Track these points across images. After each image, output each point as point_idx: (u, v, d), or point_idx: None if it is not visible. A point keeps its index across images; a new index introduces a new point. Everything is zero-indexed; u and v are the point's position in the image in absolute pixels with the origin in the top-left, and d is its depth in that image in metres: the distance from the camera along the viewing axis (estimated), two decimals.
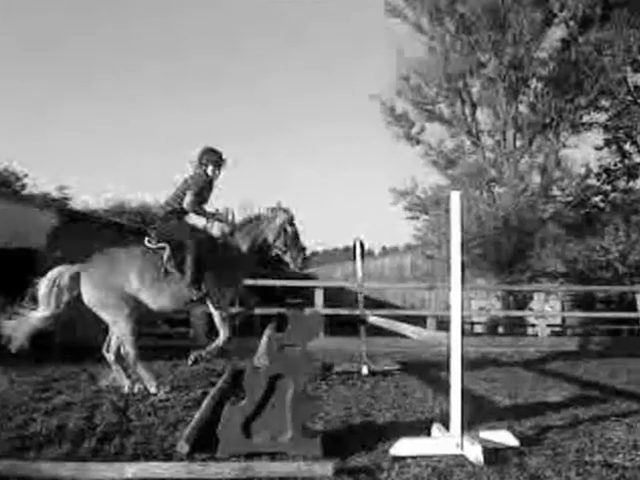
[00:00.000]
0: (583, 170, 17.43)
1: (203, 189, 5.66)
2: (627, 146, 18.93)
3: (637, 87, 19.53)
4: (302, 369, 3.48)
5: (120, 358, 5.37)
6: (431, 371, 6.64)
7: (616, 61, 16.34)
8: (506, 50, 16.59)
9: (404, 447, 3.42)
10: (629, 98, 19.10)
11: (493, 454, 3.36)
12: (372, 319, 6.47)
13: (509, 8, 16.38)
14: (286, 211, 5.77)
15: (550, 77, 16.95)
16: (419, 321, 9.41)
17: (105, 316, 5.26)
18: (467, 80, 17.90)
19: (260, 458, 3.26)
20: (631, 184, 18.67)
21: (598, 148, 18.98)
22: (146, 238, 5.55)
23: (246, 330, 7.83)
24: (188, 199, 5.51)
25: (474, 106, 18.04)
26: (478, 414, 4.36)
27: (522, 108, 17.48)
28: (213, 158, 5.71)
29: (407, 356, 7.99)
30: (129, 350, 5.21)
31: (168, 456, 3.31)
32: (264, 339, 4.85)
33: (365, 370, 6.41)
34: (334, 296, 11.20)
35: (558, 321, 15.77)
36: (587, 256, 15.01)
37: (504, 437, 3.67)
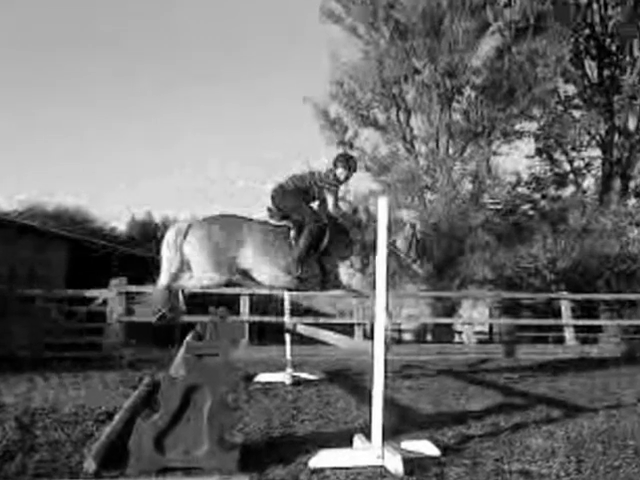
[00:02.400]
0: (514, 178, 18.10)
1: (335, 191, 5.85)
2: (557, 155, 19.76)
3: (568, 97, 20.41)
4: (221, 379, 3.42)
5: None
6: (356, 380, 6.69)
7: (548, 71, 16.98)
8: (441, 57, 16.94)
9: (323, 459, 3.42)
10: (560, 108, 19.94)
11: (413, 464, 3.40)
12: (297, 327, 6.47)
13: (445, 16, 16.77)
14: (413, 224, 6.12)
15: (483, 85, 17.43)
16: (348, 329, 9.52)
17: (196, 267, 5.39)
18: (402, 86, 18.18)
19: (174, 474, 3.19)
20: (560, 192, 19.49)
21: (529, 157, 19.71)
22: (267, 212, 5.71)
23: (167, 339, 7.72)
24: (331, 202, 5.76)
25: (408, 112, 18.34)
26: (401, 424, 4.42)
27: (455, 116, 17.90)
28: (345, 162, 5.89)
29: (333, 365, 8.03)
30: (189, 284, 5.48)
31: (74, 475, 3.18)
32: (182, 348, 4.79)
33: (288, 380, 6.40)
34: (263, 304, 11.16)
35: (486, 328, 16.22)
36: (516, 263, 15.50)
37: (425, 447, 3.72)
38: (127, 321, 9.08)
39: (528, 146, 19.88)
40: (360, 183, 23.50)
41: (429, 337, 16.05)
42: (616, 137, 19.04)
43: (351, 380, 6.73)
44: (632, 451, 3.84)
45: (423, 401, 5.53)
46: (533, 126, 19.33)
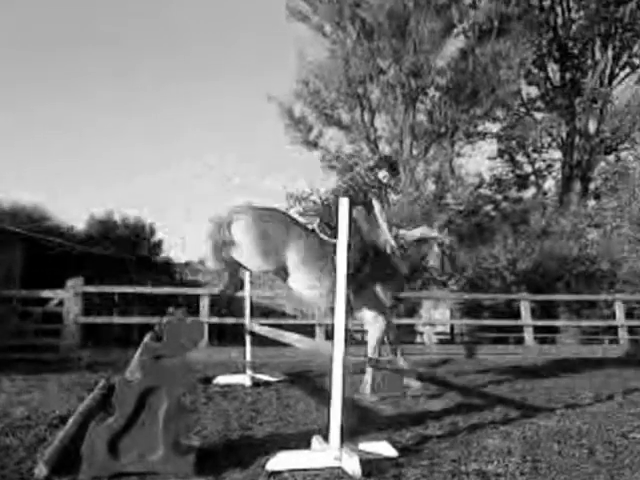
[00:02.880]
0: (476, 179, 18.37)
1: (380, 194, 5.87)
2: (519, 156, 20.15)
3: (530, 99, 20.84)
4: (178, 381, 3.39)
5: None
6: (316, 382, 6.72)
7: (511, 73, 17.27)
8: (406, 58, 17.10)
9: (281, 461, 3.43)
10: (522, 110, 20.35)
11: (371, 466, 3.42)
12: (257, 328, 6.45)
13: (410, 16, 16.91)
14: (441, 242, 6.23)
15: (447, 86, 17.66)
16: (310, 330, 9.53)
17: (243, 251, 5.19)
18: (367, 86, 18.31)
19: (128, 479, 3.16)
20: (521, 194, 19.87)
21: (491, 158, 20.04)
22: (318, 226, 5.57)
23: (125, 340, 7.63)
24: (378, 207, 5.77)
25: (373, 112, 18.49)
26: (360, 425, 4.45)
27: (420, 116, 18.13)
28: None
29: (294, 366, 8.03)
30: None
31: None
32: (139, 350, 4.74)
33: (248, 382, 6.39)
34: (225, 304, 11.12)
35: (447, 329, 16.39)
36: (477, 264, 15.70)
37: (383, 448, 3.75)
38: (84, 322, 8.96)
39: (491, 147, 20.25)
40: (324, 183, 23.56)
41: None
42: (577, 139, 19.48)
43: (312, 381, 6.75)
44: (586, 450, 3.93)
45: (382, 402, 5.57)
46: (496, 127, 19.72)
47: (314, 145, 18.53)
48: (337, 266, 3.75)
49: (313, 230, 5.55)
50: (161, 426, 3.30)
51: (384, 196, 6.00)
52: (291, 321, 12.50)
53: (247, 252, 5.20)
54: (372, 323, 5.82)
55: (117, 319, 10.82)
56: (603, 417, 5.02)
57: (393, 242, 5.93)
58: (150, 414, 3.31)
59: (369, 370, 5.78)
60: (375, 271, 5.66)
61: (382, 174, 6.01)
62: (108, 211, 19.92)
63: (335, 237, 5.33)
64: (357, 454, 3.44)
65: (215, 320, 9.28)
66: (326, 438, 3.62)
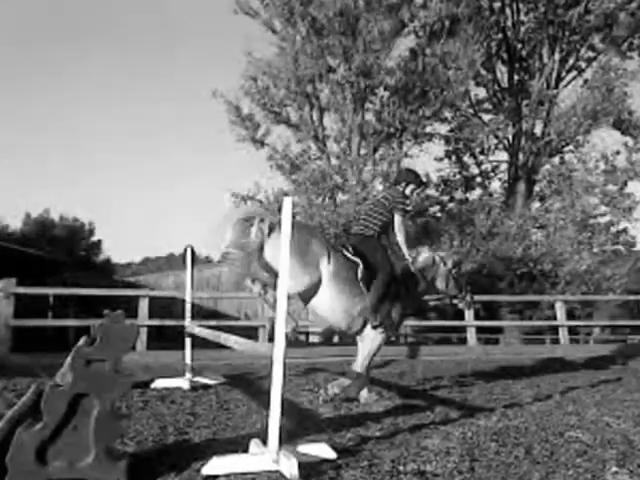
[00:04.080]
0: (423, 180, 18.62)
1: (403, 209, 5.91)
2: (466, 158, 20.52)
3: (478, 101, 21.25)
4: (111, 386, 3.35)
5: None
6: (257, 384, 6.71)
7: (460, 74, 17.59)
8: (356, 57, 17.22)
9: (217, 466, 3.41)
10: (470, 111, 20.75)
11: (310, 468, 3.45)
12: (196, 330, 6.41)
13: (361, 15, 17.04)
14: (444, 261, 6.31)
15: (397, 86, 17.86)
16: (254, 332, 9.52)
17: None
18: (316, 84, 18.38)
19: None
20: (467, 195, 20.25)
21: (438, 159, 20.35)
22: (341, 245, 5.69)
23: (60, 344, 7.45)
24: (398, 222, 5.80)
25: (322, 111, 18.56)
26: (301, 427, 4.48)
27: (368, 116, 18.29)
28: (413, 179, 6.08)
29: (235, 369, 8.01)
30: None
31: None
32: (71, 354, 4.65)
33: (187, 385, 6.34)
34: (166, 306, 10.99)
35: None
36: None
37: (322, 450, 3.78)
38: (16, 325, 8.72)
39: (438, 148, 20.58)
40: (271, 182, 23.56)
41: (336, 339, 16.24)
42: (523, 141, 19.97)
43: (253, 384, 6.74)
44: (524, 449, 4.03)
45: (321, 403, 5.60)
46: (444, 128, 20.05)
47: (261, 143, 18.48)
48: (280, 267, 3.75)
49: (340, 250, 5.57)
50: (92, 432, 3.24)
51: (407, 210, 6.04)
52: (233, 323, 12.43)
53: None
54: (372, 338, 5.75)
55: (51, 322, 10.55)
56: (541, 416, 5.17)
57: (407, 255, 6.01)
58: (81, 420, 3.25)
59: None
60: (393, 288, 5.72)
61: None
62: (45, 210, 19.46)
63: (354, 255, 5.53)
64: (295, 457, 3.46)
65: (154, 322, 9.16)
66: (265, 441, 3.63)
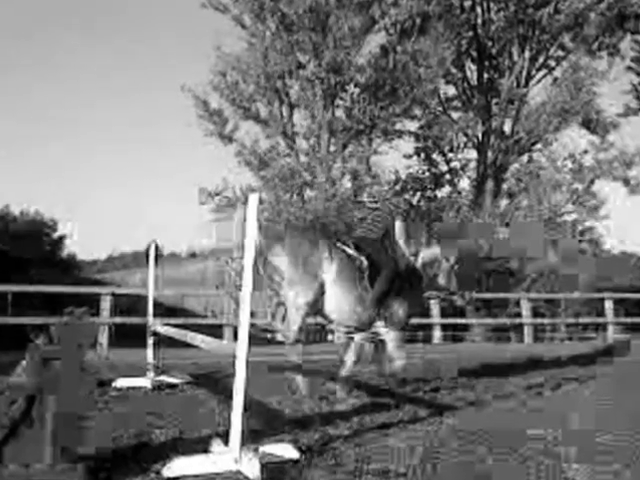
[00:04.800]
0: (393, 177, 18.72)
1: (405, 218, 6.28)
2: (435, 155, 20.63)
3: (448, 98, 21.36)
4: (71, 385, 3.30)
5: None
6: (223, 383, 6.66)
7: (430, 72, 17.67)
8: (326, 53, 17.19)
9: (178, 466, 3.39)
10: (439, 109, 20.83)
11: (272, 468, 3.44)
12: (161, 328, 6.35)
13: (331, 10, 17.02)
14: (447, 258, 6.43)
15: (367, 83, 17.85)
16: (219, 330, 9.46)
17: (287, 288, 5.38)
18: (286, 80, 18.31)
19: None
20: (436, 192, 20.37)
21: (407, 156, 20.43)
22: (342, 243, 5.84)
23: (20, 342, 7.29)
24: (399, 228, 6.07)
25: (291, 107, 18.49)
26: (267, 426, 4.47)
27: (338, 113, 18.26)
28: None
29: (201, 367, 7.94)
30: (293, 327, 5.48)
31: None
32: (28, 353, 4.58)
33: (149, 384, 6.28)
34: (131, 304, 10.87)
35: None
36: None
37: (285, 450, 3.77)
38: None
39: (408, 145, 20.64)
40: (239, 178, 23.44)
41: (302, 337, 16.15)
42: (492, 139, 20.13)
43: (218, 383, 6.69)
44: (486, 447, 4.09)
45: (290, 402, 5.60)
46: (413, 126, 20.09)
47: (229, 139, 18.36)
48: (244, 264, 3.74)
49: (344, 250, 5.74)
50: (49, 433, 3.20)
51: (409, 219, 6.37)
52: (199, 321, 12.32)
53: (288, 280, 5.38)
54: (389, 335, 6.05)
55: (10, 319, 10.32)
56: (505, 414, 5.25)
57: (409, 254, 6.22)
58: (38, 420, 3.21)
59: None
60: (398, 286, 5.90)
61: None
62: (5, 204, 19.08)
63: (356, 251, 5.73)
64: (258, 457, 3.45)
65: (117, 320, 9.05)
66: (227, 441, 3.61)
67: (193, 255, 43.77)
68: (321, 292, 5.51)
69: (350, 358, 6.22)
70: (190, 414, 5.07)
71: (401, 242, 6.13)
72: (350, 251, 5.74)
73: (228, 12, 18.39)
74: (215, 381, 6.88)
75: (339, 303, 5.60)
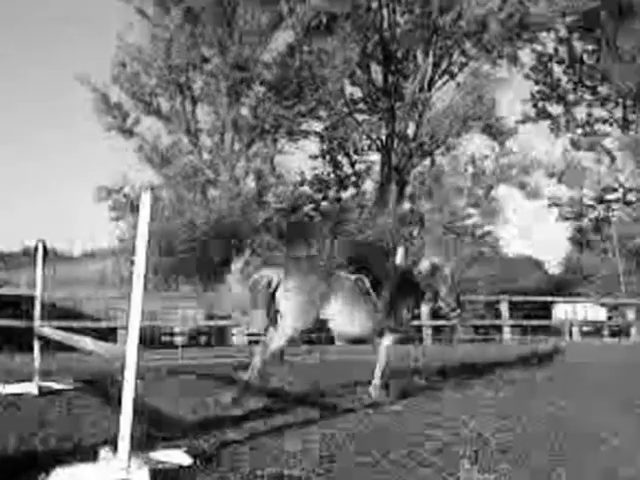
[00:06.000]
0: (298, 178, 18.87)
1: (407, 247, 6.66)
2: (340, 157, 20.94)
3: (354, 100, 21.73)
4: None
5: None
6: (114, 389, 6.49)
7: (336, 72, 17.89)
8: (231, 48, 17.10)
9: (63, 476, 3.28)
10: (345, 110, 21.15)
11: (163, 476, 3.38)
12: (47, 331, 6.11)
13: (238, 5, 16.93)
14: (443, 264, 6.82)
15: (273, 82, 17.90)
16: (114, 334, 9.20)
17: (288, 319, 5.66)
18: (190, 74, 18.09)
19: None
20: (341, 194, 20.68)
21: (313, 157, 20.63)
22: (341, 267, 6.27)
23: None
24: (400, 255, 6.57)
25: (195, 103, 18.29)
26: (159, 432, 4.38)
27: (243, 111, 18.22)
28: (418, 221, 7.09)
29: (91, 373, 7.69)
30: (273, 346, 5.68)
31: None
32: None
33: (35, 390, 6.03)
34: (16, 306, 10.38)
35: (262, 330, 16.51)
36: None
37: (177, 456, 3.71)
38: None
39: (314, 146, 20.84)
40: (140, 175, 22.91)
41: (203, 340, 16.02)
42: (396, 142, 20.64)
43: (110, 389, 6.50)
44: (383, 449, 4.16)
45: (185, 407, 5.51)
46: (319, 127, 20.35)
47: (130, 133, 17.91)
48: (136, 263, 3.65)
49: (346, 275, 6.14)
50: None
51: (410, 246, 6.83)
52: (91, 324, 11.89)
53: (291, 318, 5.69)
54: (389, 339, 6.43)
55: None
56: (402, 415, 5.37)
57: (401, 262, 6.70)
58: None
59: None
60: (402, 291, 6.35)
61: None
62: None
63: (355, 271, 6.12)
64: (148, 464, 3.38)
65: (1, 322, 8.64)
66: (116, 449, 3.51)
67: (91, 255, 42.22)
68: (318, 321, 5.95)
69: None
70: (78, 421, 4.89)
71: (399, 260, 6.66)
72: (350, 276, 6.12)
73: (131, 1, 17.96)
74: (107, 386, 6.67)
75: (351, 320, 6.00)
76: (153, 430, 4.41)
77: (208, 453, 3.93)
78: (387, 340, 6.42)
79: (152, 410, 5.22)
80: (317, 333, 8.15)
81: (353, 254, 6.50)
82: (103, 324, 11.05)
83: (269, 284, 5.71)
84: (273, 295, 5.71)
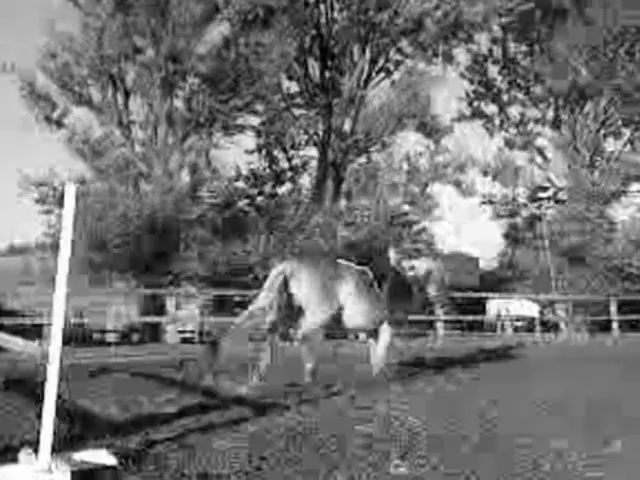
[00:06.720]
0: (233, 173, 18.76)
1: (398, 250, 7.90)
2: (276, 152, 20.91)
3: (291, 95, 21.71)
4: None
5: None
6: (40, 388, 6.32)
7: (272, 67, 17.82)
8: (165, 39, 16.81)
9: None
10: (282, 104, 21.12)
11: (86, 477, 3.32)
12: None
13: None
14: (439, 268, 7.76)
15: (208, 75, 17.68)
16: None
17: (312, 307, 6.29)
18: (122, 65, 17.69)
19: None
20: (277, 189, 20.67)
21: (249, 152, 20.53)
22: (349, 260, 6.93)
23: None
24: (393, 257, 7.51)
25: (127, 95, 17.91)
26: (85, 432, 4.30)
27: (177, 103, 17.94)
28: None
29: (14, 371, 7.49)
30: (309, 331, 6.35)
31: None
32: None
33: None
34: None
35: (196, 327, 16.38)
36: (229, 260, 15.96)
37: (102, 457, 3.65)
38: None
39: (250, 140, 20.78)
40: (70, 168, 22.27)
41: (135, 337, 15.78)
42: (332, 138, 20.74)
43: (34, 388, 6.33)
44: (314, 444, 4.19)
45: (113, 406, 5.41)
46: (256, 121, 20.24)
47: (58, 124, 17.41)
48: (60, 258, 3.58)
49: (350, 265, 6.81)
50: None
51: (400, 247, 7.41)
52: (20, 320, 11.53)
53: (314, 303, 6.31)
54: (388, 331, 7.12)
55: None
56: (334, 411, 5.41)
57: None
58: None
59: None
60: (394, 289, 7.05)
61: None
62: None
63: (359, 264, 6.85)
64: (70, 465, 3.32)
65: None
66: (37, 450, 3.43)
67: (12, 250, 40.98)
68: (339, 310, 6.50)
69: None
70: (2, 422, 4.75)
71: (393, 261, 7.49)
72: (358, 267, 6.79)
73: None
74: (31, 386, 6.49)
75: (361, 310, 6.63)
76: (81, 430, 4.33)
77: (135, 453, 3.88)
78: (387, 328, 7.07)
79: (81, 409, 5.12)
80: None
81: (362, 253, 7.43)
82: (27, 321, 10.72)
83: (284, 276, 6.28)
84: (286, 284, 6.26)
